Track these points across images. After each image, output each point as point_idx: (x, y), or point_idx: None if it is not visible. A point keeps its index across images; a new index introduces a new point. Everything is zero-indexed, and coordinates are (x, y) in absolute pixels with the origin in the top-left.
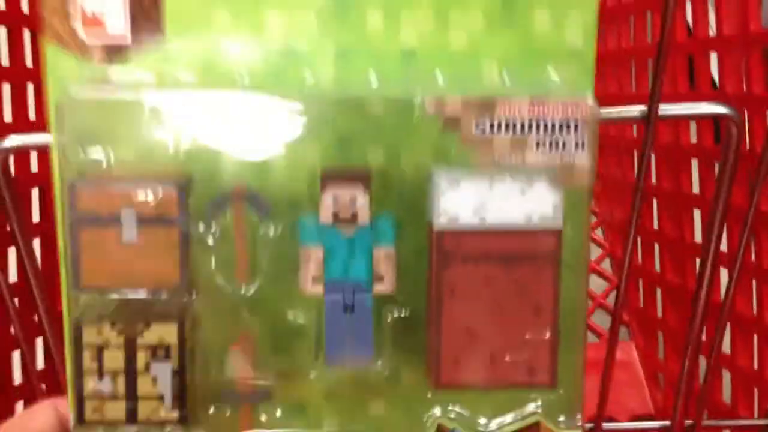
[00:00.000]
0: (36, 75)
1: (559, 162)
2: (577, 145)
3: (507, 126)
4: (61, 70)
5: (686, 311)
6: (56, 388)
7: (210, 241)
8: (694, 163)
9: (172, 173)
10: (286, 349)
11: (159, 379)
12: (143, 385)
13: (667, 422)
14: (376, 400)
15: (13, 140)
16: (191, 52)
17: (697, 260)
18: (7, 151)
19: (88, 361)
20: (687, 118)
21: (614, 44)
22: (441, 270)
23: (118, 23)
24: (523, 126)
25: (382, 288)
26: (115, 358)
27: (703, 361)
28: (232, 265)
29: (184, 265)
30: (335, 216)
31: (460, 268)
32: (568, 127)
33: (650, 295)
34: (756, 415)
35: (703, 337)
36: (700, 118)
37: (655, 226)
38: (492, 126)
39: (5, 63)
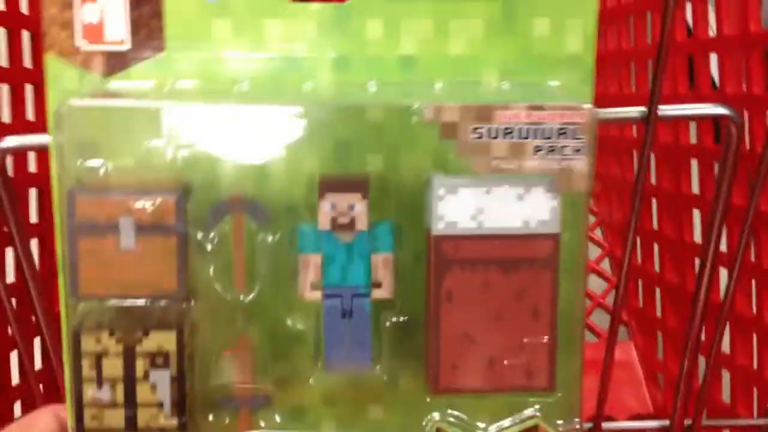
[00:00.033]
0: (34, 76)
1: (557, 167)
2: (575, 150)
3: (505, 132)
4: (62, 80)
5: (685, 311)
6: (54, 389)
7: (208, 248)
8: (694, 163)
9: (170, 181)
10: (285, 355)
11: (158, 386)
12: (142, 393)
13: (666, 422)
14: (375, 405)
15: (11, 141)
16: (191, 61)
17: (697, 260)
18: (5, 151)
19: (87, 369)
20: (686, 119)
21: (614, 45)
22: (439, 275)
23: (117, 32)
24: (521, 132)
25: (380, 293)
26: (113, 366)
27: (702, 361)
28: (230, 272)
29: (183, 273)
30: (333, 222)
31: (458, 273)
32: (567, 132)
33: (649, 294)
34: (755, 414)
35: (703, 337)
36: (699, 119)
37: (655, 226)
38: (490, 132)
39: (4, 64)
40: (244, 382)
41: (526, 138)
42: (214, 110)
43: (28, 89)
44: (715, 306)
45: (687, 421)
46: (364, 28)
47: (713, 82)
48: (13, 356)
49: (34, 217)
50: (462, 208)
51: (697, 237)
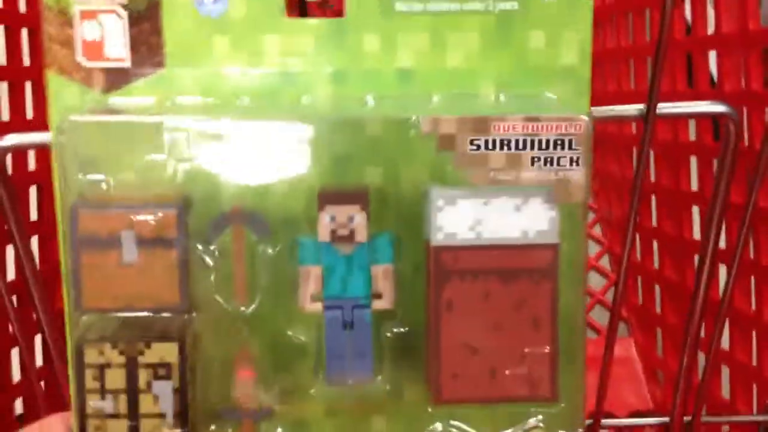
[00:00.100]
0: (33, 73)
1: (554, 178)
2: (571, 161)
3: (502, 143)
4: (64, 96)
5: (685, 307)
6: (54, 386)
7: (209, 261)
8: (693, 160)
9: (171, 195)
10: (287, 367)
11: (160, 397)
12: (145, 404)
13: (666, 418)
14: (377, 416)
15: (11, 139)
16: (191, 77)
17: (696, 257)
18: (5, 149)
19: (90, 381)
20: (685, 117)
21: (613, 42)
22: (439, 286)
23: (117, 49)
24: (518, 143)
25: (381, 304)
26: (116, 378)
27: (701, 357)
28: (231, 284)
29: (184, 285)
30: (333, 234)
31: (458, 283)
32: (563, 143)
33: (649, 291)
34: (755, 410)
35: (702, 334)
36: (698, 117)
37: (654, 223)
38: (487, 143)
39: (2, 61)
40: (247, 395)
41: (523, 149)
42: (215, 124)
43: (27, 87)
44: (715, 302)
45: (686, 418)
46: (361, 42)
47: (712, 80)
48: (14, 353)
49: (33, 215)
50: (461, 219)
51: (696, 234)
